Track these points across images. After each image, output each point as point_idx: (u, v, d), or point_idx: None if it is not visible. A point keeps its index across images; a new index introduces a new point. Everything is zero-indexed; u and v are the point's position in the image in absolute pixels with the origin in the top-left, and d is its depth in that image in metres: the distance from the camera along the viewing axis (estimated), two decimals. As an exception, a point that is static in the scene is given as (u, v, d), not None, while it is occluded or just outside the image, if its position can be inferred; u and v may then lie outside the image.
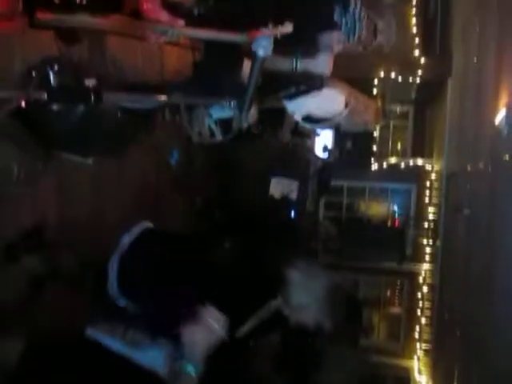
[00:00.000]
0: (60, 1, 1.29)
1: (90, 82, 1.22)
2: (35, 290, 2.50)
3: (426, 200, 8.20)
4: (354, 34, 2.68)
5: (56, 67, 1.20)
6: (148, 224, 2.30)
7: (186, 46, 2.48)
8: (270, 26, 1.25)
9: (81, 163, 2.83)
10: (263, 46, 1.13)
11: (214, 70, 2.44)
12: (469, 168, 5.59)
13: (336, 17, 2.61)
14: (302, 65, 2.28)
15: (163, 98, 1.39)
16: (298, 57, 2.21)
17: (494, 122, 4.11)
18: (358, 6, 2.65)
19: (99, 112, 2.28)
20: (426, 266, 8.11)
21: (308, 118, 3.12)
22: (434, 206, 7.93)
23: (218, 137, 2.87)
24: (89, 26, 1.37)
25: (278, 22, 1.37)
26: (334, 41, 2.59)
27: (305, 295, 1.72)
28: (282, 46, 1.47)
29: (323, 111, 3.02)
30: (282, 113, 3.46)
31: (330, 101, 2.95)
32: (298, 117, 3.17)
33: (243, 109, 1.21)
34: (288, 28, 1.44)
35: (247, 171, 5.12)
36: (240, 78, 2.53)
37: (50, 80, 1.22)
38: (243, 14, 2.16)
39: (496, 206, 4.48)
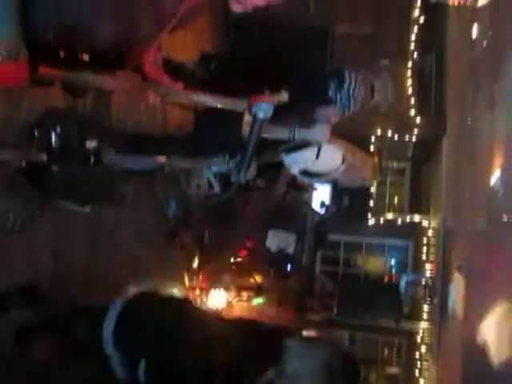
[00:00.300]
0: (64, 56, 1.30)
1: (90, 144, 1.23)
2: (25, 342, 2.43)
3: (424, 257, 8.14)
4: (349, 109, 2.79)
5: (58, 128, 1.22)
6: (155, 286, 2.29)
7: (188, 103, 2.55)
8: (267, 93, 1.29)
9: (78, 211, 2.83)
10: (263, 109, 1.16)
11: (215, 126, 2.50)
12: (466, 226, 5.60)
13: (331, 92, 2.74)
14: (299, 134, 2.36)
15: (163, 159, 1.41)
16: (296, 127, 2.29)
17: (489, 182, 4.16)
18: (353, 82, 2.77)
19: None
20: (423, 325, 7.94)
21: (305, 172, 3.17)
22: (432, 263, 7.87)
23: (217, 189, 2.91)
24: (91, 84, 1.39)
25: (276, 91, 1.42)
26: (330, 114, 2.70)
27: (301, 364, 1.67)
28: (280, 116, 1.52)
29: (320, 166, 3.07)
30: (279, 166, 3.52)
31: (327, 156, 3.01)
32: (295, 170, 3.23)
33: (242, 169, 1.22)
34: (284, 96, 1.49)
35: (244, 223, 5.12)
36: (240, 134, 2.60)
37: (51, 141, 1.23)
38: (243, 81, 2.25)
39: (495, 263, 4.45)
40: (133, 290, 2.14)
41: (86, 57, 1.32)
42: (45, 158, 1.23)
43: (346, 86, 2.77)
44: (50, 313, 2.48)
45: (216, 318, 2.32)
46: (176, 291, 4.49)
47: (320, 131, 2.51)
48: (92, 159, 1.23)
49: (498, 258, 4.28)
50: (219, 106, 1.74)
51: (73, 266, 3.06)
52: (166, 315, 2.04)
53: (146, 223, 4.17)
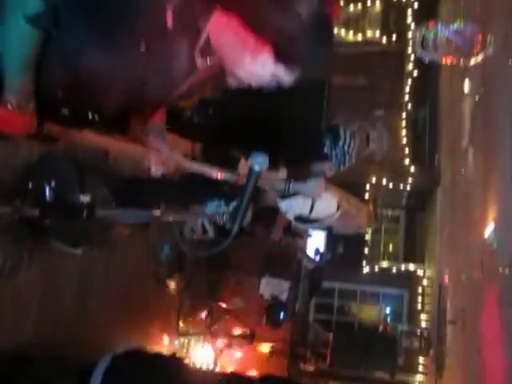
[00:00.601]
0: (69, 112, 1.33)
1: (84, 199, 1.23)
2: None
3: (419, 307, 8.04)
4: (345, 164, 2.86)
5: (53, 183, 1.22)
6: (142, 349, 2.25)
7: (185, 148, 2.60)
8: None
9: (70, 253, 2.79)
10: (259, 162, 1.18)
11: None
12: (461, 277, 5.56)
13: (326, 149, 2.81)
14: (293, 187, 2.41)
15: (157, 213, 1.42)
16: (291, 181, 2.34)
17: (483, 234, 4.17)
18: (348, 140, 2.85)
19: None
20: (419, 378, 7.73)
21: (300, 218, 3.17)
22: (427, 313, 7.76)
23: (211, 234, 2.89)
24: (92, 143, 1.42)
25: (273, 149, 1.46)
26: (326, 169, 2.76)
27: None
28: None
29: (315, 212, 3.08)
30: (275, 212, 3.52)
31: (322, 202, 3.03)
32: (290, 216, 3.23)
33: (236, 221, 1.21)
34: (283, 174, 1.52)
35: (238, 269, 5.06)
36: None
37: (45, 195, 1.24)
38: (239, 129, 2.30)
39: (489, 317, 4.39)
40: (121, 347, 2.09)
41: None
42: (37, 213, 1.23)
43: (341, 143, 2.83)
44: (34, 366, 2.39)
45: (205, 374, 2.27)
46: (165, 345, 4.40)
47: (313, 185, 2.54)
48: (85, 214, 1.23)
49: (493, 310, 4.22)
50: (214, 176, 1.78)
51: (61, 312, 2.98)
52: (153, 372, 2.00)
53: (138, 266, 4.12)
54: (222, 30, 1.18)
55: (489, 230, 4.04)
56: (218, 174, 1.79)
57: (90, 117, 1.34)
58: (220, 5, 1.17)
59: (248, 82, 1.26)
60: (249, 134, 2.30)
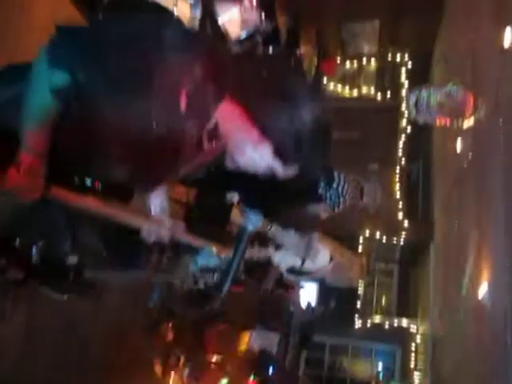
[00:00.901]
0: (78, 180, 1.37)
1: (72, 260, 1.23)
2: None
3: (412, 364, 7.83)
4: (339, 206, 2.86)
5: (41, 243, 1.22)
6: None
7: (179, 197, 2.60)
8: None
9: (55, 299, 2.72)
10: (252, 222, 1.18)
11: (203, 218, 2.52)
12: (455, 335, 5.46)
13: (320, 190, 2.83)
14: (277, 234, 2.41)
15: (149, 274, 1.41)
16: (272, 225, 2.34)
17: (477, 292, 4.13)
18: (342, 182, 2.87)
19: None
20: None
21: (292, 270, 3.14)
22: (420, 371, 7.54)
23: (201, 285, 2.84)
24: (91, 208, 1.43)
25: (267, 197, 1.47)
26: (320, 210, 2.76)
27: None
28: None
29: (308, 264, 3.05)
30: (266, 263, 3.49)
31: (315, 254, 3.00)
32: (282, 268, 3.19)
33: (227, 279, 1.18)
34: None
35: (228, 320, 4.95)
36: (228, 224, 2.61)
37: (31, 257, 1.23)
38: (235, 176, 2.31)
39: (486, 374, 4.27)
40: None
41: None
42: (22, 275, 1.22)
43: (335, 185, 2.84)
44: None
45: None
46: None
47: (295, 238, 2.54)
48: (71, 276, 1.21)
49: (490, 370, 4.12)
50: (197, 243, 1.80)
51: (42, 358, 2.88)
52: None
53: (124, 314, 4.02)
54: (230, 118, 1.26)
55: (482, 291, 4.00)
56: (213, 249, 1.82)
57: (95, 185, 1.38)
58: (230, 95, 1.25)
59: (245, 167, 1.31)
60: (244, 183, 2.30)
